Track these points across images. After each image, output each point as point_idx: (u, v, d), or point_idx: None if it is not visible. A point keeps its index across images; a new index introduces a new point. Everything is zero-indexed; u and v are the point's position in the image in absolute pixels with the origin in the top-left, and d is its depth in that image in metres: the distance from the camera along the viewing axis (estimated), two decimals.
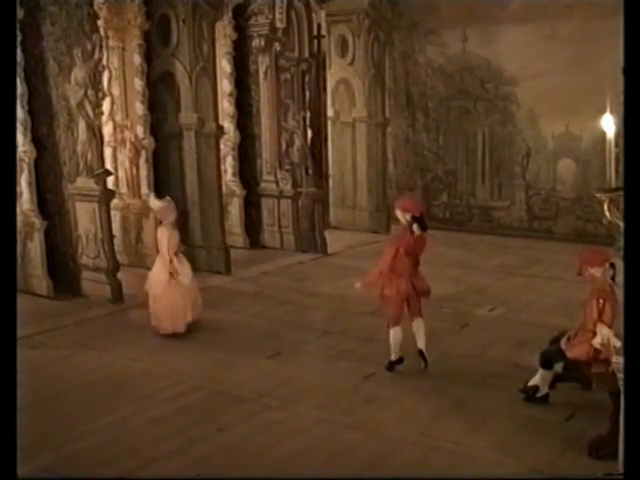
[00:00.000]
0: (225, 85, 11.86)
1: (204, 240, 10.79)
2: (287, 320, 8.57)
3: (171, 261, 7.99)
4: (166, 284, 8.01)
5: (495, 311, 8.89)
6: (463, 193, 13.70)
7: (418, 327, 7.00)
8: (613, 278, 5.54)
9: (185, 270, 8.12)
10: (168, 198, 8.48)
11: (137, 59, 10.47)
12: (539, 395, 6.19)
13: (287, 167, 12.24)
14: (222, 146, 11.48)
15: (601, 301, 5.44)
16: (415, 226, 6.70)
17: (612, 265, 5.54)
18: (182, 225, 10.88)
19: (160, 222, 8.25)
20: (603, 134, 4.61)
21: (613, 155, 4.47)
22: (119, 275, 9.50)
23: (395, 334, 6.92)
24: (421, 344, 7.00)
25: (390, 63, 13.89)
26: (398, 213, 6.87)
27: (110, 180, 10.02)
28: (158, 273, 8.11)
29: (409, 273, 6.86)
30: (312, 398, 6.43)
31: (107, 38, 10.32)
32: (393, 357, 6.98)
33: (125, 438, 5.76)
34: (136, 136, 10.73)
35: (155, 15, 10.52)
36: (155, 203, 8.44)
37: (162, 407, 6.31)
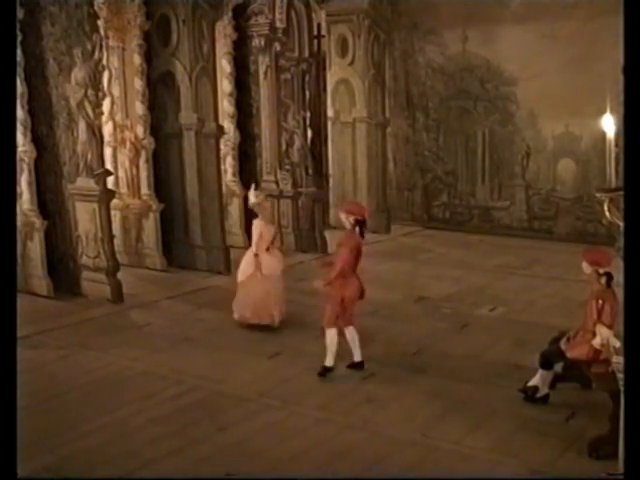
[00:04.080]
0: (225, 85, 11.87)
1: (204, 240, 10.80)
2: (287, 320, 8.56)
3: (257, 255, 8.14)
4: (251, 276, 8.16)
5: (495, 311, 8.90)
6: (463, 193, 13.71)
7: (353, 337, 6.97)
8: (609, 284, 5.55)
9: (272, 266, 8.18)
10: (264, 193, 8.72)
11: (137, 59, 10.49)
12: (539, 395, 6.19)
13: (287, 167, 12.24)
14: (222, 146, 11.49)
15: (600, 302, 5.46)
16: (357, 229, 6.83)
17: (608, 274, 5.54)
18: (183, 225, 10.97)
19: (256, 215, 8.35)
20: (603, 134, 4.61)
21: (613, 155, 4.47)
22: (119, 275, 9.50)
23: (334, 336, 6.88)
24: (359, 355, 6.99)
25: (390, 63, 13.91)
26: (342, 216, 6.95)
27: (110, 180, 10.02)
28: (246, 264, 8.27)
29: (355, 273, 6.91)
30: (312, 398, 6.43)
31: (107, 38, 10.33)
32: (330, 362, 6.87)
33: (125, 438, 5.76)
34: (136, 136, 10.75)
35: (155, 15, 10.53)
36: (252, 198, 8.50)
37: (162, 407, 6.30)
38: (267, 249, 8.19)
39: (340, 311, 6.88)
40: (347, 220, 6.89)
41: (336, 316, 6.89)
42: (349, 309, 6.95)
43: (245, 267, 8.30)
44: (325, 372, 6.88)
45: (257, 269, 8.16)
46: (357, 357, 7.01)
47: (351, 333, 6.98)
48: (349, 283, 6.85)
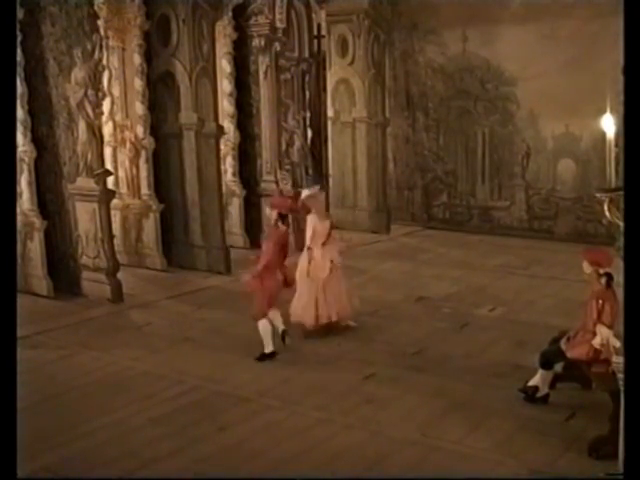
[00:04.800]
0: (225, 85, 11.87)
1: (204, 240, 10.80)
2: (287, 320, 8.55)
3: (309, 248, 8.02)
4: (304, 273, 8.00)
5: (495, 311, 8.89)
6: (463, 193, 13.71)
7: (275, 314, 7.49)
8: (609, 284, 5.55)
9: (324, 263, 8.00)
10: (317, 186, 8.61)
11: (137, 59, 10.49)
12: (539, 395, 6.19)
13: (287, 167, 12.24)
14: (222, 146, 11.48)
15: (600, 302, 5.46)
16: (279, 222, 7.39)
17: (608, 274, 5.54)
18: (183, 225, 10.97)
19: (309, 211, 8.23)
20: (603, 134, 4.61)
21: (613, 155, 4.48)
22: (119, 275, 9.50)
23: (266, 326, 7.35)
24: (282, 324, 7.48)
25: (390, 63, 13.90)
26: (267, 210, 7.61)
27: (110, 180, 10.02)
28: (303, 261, 8.09)
29: (280, 264, 7.41)
30: (312, 398, 6.43)
31: (107, 38, 10.34)
32: (268, 349, 7.33)
33: (125, 438, 5.76)
34: (136, 136, 10.75)
35: (155, 15, 10.54)
36: (305, 190, 8.39)
37: (162, 407, 6.31)
38: (323, 244, 8.01)
39: (268, 302, 7.37)
40: (271, 214, 7.46)
41: (266, 308, 7.36)
42: (273, 298, 7.45)
43: (302, 264, 8.07)
44: (265, 358, 7.30)
45: (309, 266, 7.98)
46: (282, 325, 7.46)
47: (274, 313, 7.44)
48: (272, 274, 7.32)
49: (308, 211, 8.21)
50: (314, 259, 8.01)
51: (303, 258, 8.10)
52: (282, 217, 7.44)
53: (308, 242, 8.08)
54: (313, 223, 8.05)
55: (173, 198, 10.97)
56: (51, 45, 9.23)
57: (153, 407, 6.31)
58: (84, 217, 9.41)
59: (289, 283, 7.56)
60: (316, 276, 7.97)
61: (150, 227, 10.87)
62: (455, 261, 11.45)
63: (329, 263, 8.02)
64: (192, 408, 6.30)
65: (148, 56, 10.63)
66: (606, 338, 5.27)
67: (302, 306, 7.97)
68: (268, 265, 7.26)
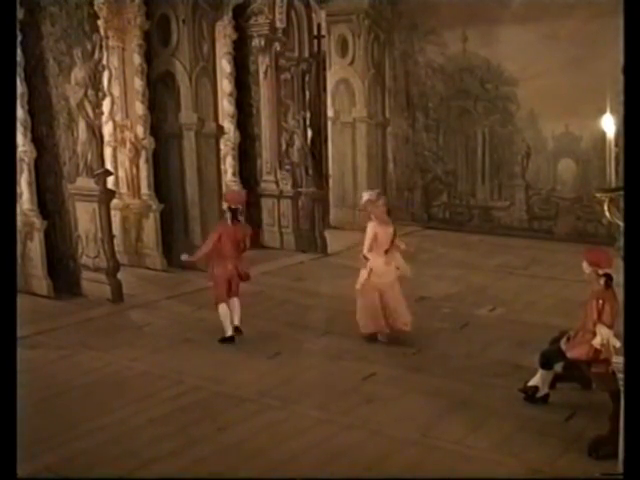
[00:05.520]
0: (225, 85, 11.86)
1: (204, 240, 10.75)
2: (287, 320, 8.57)
3: (365, 257, 7.74)
4: (365, 281, 7.73)
5: (495, 311, 8.89)
6: (463, 193, 13.70)
7: (234, 305, 7.84)
8: (608, 285, 5.54)
9: (389, 269, 7.74)
10: (376, 191, 8.38)
11: (137, 59, 10.49)
12: (539, 395, 6.20)
13: (287, 167, 12.24)
14: (222, 146, 11.49)
15: (600, 302, 5.46)
16: (228, 215, 7.76)
17: (607, 275, 5.53)
18: (183, 225, 10.95)
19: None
20: (603, 134, 4.61)
21: (613, 155, 4.47)
22: (119, 275, 9.50)
23: (224, 310, 7.77)
24: (237, 320, 7.82)
25: (390, 63, 13.90)
26: (224, 203, 8.08)
27: (110, 180, 10.02)
28: (361, 272, 7.83)
29: (232, 256, 7.77)
30: (312, 398, 6.43)
31: (107, 38, 10.34)
32: (227, 333, 7.74)
33: (125, 438, 5.77)
34: (136, 136, 10.75)
35: (155, 15, 10.54)
36: (364, 195, 8.08)
37: (162, 407, 6.31)
38: (386, 251, 7.73)
39: (222, 288, 7.79)
40: (224, 206, 7.91)
41: (223, 293, 7.78)
42: (232, 285, 7.83)
43: (362, 274, 7.77)
44: (225, 341, 7.72)
45: (369, 274, 7.69)
46: (236, 321, 7.82)
47: (233, 303, 7.84)
48: (223, 263, 7.74)
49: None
50: (374, 268, 7.68)
51: (362, 269, 7.76)
52: (233, 211, 7.71)
53: (365, 250, 7.74)
54: (373, 230, 7.72)
55: (173, 198, 10.97)
56: (51, 45, 9.23)
57: (153, 407, 6.31)
58: (84, 217, 9.41)
59: (243, 277, 7.90)
60: (380, 283, 7.64)
61: (150, 227, 10.88)
62: (455, 261, 11.45)
63: (395, 269, 7.73)
64: (192, 408, 6.30)
65: (148, 56, 10.63)
66: (606, 338, 5.27)
67: (366, 315, 7.70)
68: (218, 254, 7.71)
